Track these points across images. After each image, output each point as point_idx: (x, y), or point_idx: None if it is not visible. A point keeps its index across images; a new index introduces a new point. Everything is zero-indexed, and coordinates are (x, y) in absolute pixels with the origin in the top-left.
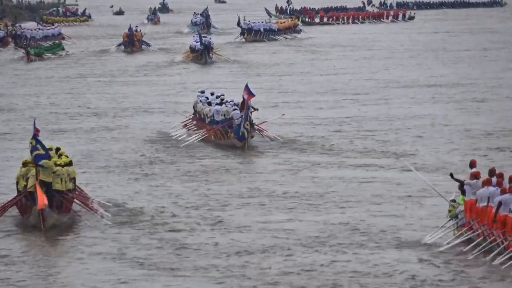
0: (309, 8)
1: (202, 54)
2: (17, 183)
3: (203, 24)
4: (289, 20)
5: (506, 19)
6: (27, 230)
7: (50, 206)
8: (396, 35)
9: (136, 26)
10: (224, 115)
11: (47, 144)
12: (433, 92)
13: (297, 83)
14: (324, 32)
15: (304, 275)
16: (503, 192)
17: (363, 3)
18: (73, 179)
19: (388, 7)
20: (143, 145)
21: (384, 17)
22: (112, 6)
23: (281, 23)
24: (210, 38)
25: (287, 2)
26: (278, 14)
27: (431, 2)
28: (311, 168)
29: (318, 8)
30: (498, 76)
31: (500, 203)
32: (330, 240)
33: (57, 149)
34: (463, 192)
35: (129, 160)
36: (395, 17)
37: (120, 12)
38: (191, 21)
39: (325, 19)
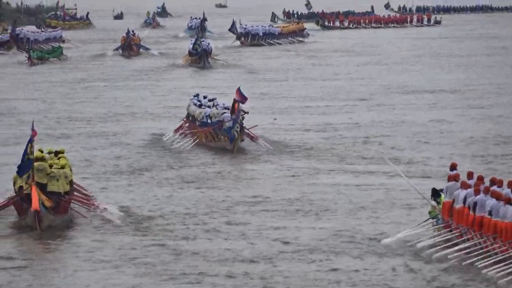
0: (329, 12)
1: (200, 58)
2: (14, 183)
3: (198, 28)
4: (294, 24)
5: None
6: (23, 231)
7: (45, 208)
8: (418, 41)
9: (133, 30)
10: (215, 117)
11: (46, 148)
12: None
13: (293, 88)
14: (335, 36)
15: (296, 282)
16: (476, 192)
17: (372, 7)
18: (70, 181)
19: (408, 12)
20: (139, 150)
21: (408, 22)
22: (113, 10)
23: (284, 27)
24: (208, 43)
25: (306, 5)
26: (285, 18)
27: (452, 6)
28: (306, 174)
29: (338, 12)
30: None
31: (475, 204)
32: (322, 246)
33: (57, 152)
34: (433, 195)
35: (125, 165)
36: (420, 21)
37: (119, 16)
38: (188, 25)
39: (345, 23)
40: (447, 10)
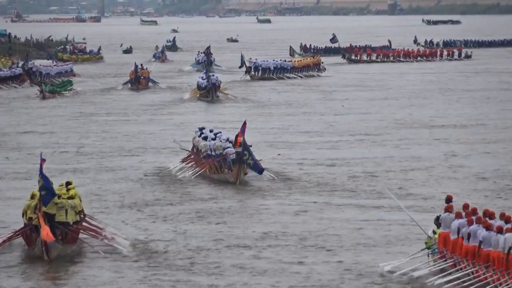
0: (356, 46)
1: (209, 92)
2: (23, 214)
3: (205, 62)
4: (308, 58)
5: None
6: (32, 261)
7: (54, 237)
8: (445, 75)
9: (141, 64)
10: (218, 149)
11: (56, 182)
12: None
13: (301, 122)
14: (355, 71)
15: None
16: (469, 223)
17: (389, 41)
18: (80, 211)
19: (435, 46)
20: (145, 183)
21: (438, 56)
22: (121, 45)
23: (297, 61)
24: (217, 76)
25: (332, 40)
26: (302, 52)
27: (480, 40)
28: (312, 208)
29: (365, 46)
30: None
31: (469, 234)
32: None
33: (67, 183)
34: (438, 225)
35: (132, 198)
36: (450, 55)
37: (128, 51)
38: (195, 59)
39: (373, 57)
40: (477, 44)
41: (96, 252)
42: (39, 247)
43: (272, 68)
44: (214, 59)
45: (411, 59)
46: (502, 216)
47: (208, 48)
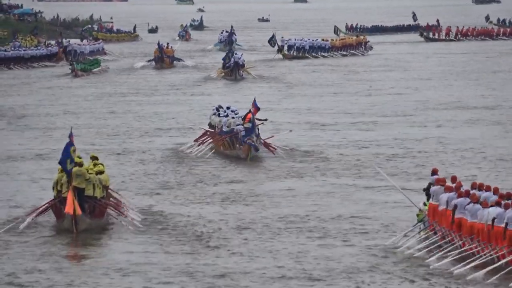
0: (433, 24)
1: (232, 71)
2: (53, 188)
3: (226, 41)
4: (350, 38)
5: None
6: (60, 233)
7: (83, 211)
8: None
9: (168, 43)
10: (230, 126)
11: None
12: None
13: (322, 102)
14: (415, 51)
15: None
16: (459, 196)
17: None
18: (106, 187)
19: (507, 24)
20: (162, 161)
21: None
22: (148, 24)
23: (337, 40)
24: (241, 55)
25: (413, 17)
26: (347, 31)
27: None
28: (324, 189)
29: (448, 26)
30: None
31: (455, 206)
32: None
33: (93, 157)
34: (428, 196)
35: (153, 174)
36: None
37: (154, 30)
38: (218, 38)
39: (451, 36)
40: None
41: (122, 226)
42: (68, 220)
43: (307, 47)
44: (236, 38)
45: (490, 38)
46: (496, 191)
47: (232, 27)
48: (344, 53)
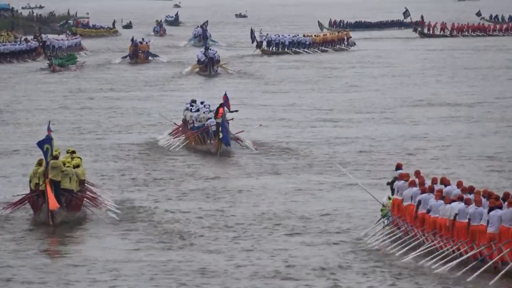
0: (417, 21)
1: (207, 66)
2: (30, 181)
3: (200, 36)
4: (331, 33)
5: None
6: (37, 227)
7: (59, 204)
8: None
9: (142, 38)
10: (201, 121)
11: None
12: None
13: (298, 99)
14: (402, 47)
15: None
16: (423, 191)
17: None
18: (83, 180)
19: (501, 20)
20: (135, 156)
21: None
22: (122, 20)
23: (318, 36)
24: (216, 51)
25: (404, 14)
26: (330, 27)
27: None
28: (289, 179)
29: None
30: None
31: (419, 202)
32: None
33: (72, 152)
34: (393, 191)
35: (127, 168)
36: None
37: (129, 26)
38: (193, 33)
39: (447, 32)
40: None
41: (98, 219)
42: (44, 213)
43: (287, 43)
44: (210, 34)
45: (486, 34)
46: (459, 185)
47: (205, 22)
48: (325, 48)
